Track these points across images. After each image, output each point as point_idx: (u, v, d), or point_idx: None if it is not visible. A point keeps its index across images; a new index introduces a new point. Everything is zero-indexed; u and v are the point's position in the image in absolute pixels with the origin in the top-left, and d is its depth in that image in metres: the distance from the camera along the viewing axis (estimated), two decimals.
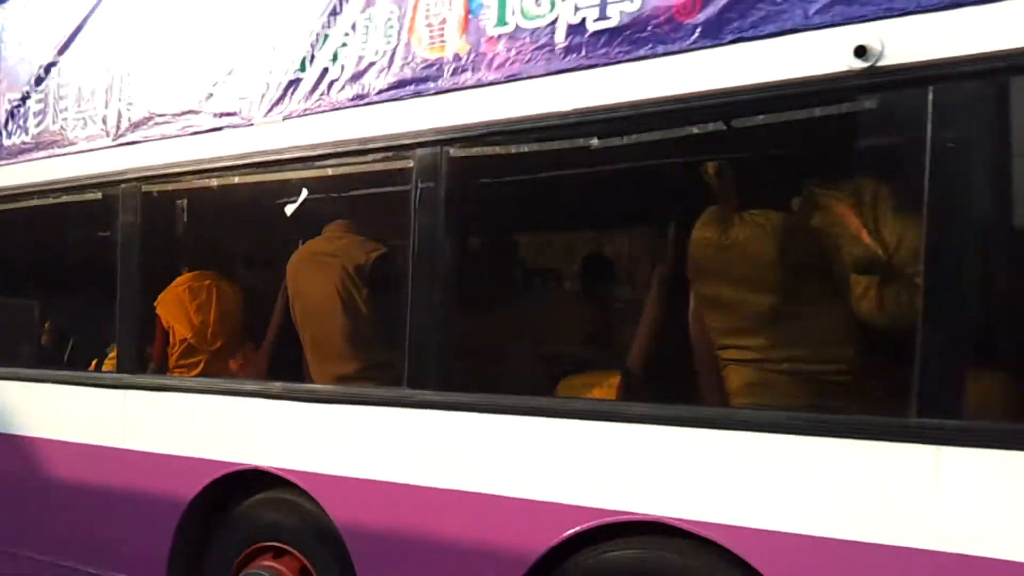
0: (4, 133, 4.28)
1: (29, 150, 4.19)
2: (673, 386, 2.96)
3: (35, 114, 4.17)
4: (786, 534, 2.22)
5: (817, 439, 2.22)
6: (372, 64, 3.10)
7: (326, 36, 3.23)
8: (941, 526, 2.04)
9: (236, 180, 3.61)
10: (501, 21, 2.81)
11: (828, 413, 2.36)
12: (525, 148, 2.91)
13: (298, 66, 3.31)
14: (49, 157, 4.07)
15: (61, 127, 4.06)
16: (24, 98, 4.22)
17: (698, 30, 2.44)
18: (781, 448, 2.26)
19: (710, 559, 2.33)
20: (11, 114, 4.27)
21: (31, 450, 4.09)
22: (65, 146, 4.05)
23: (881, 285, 2.38)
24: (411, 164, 2.99)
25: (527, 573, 2.60)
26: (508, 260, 3.67)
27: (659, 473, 2.44)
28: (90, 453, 3.82)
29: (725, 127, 2.56)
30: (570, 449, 2.59)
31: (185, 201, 4.08)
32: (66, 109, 4.06)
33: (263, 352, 3.77)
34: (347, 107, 3.17)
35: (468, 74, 2.90)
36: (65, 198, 4.06)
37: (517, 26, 2.78)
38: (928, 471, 2.06)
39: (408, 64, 3.02)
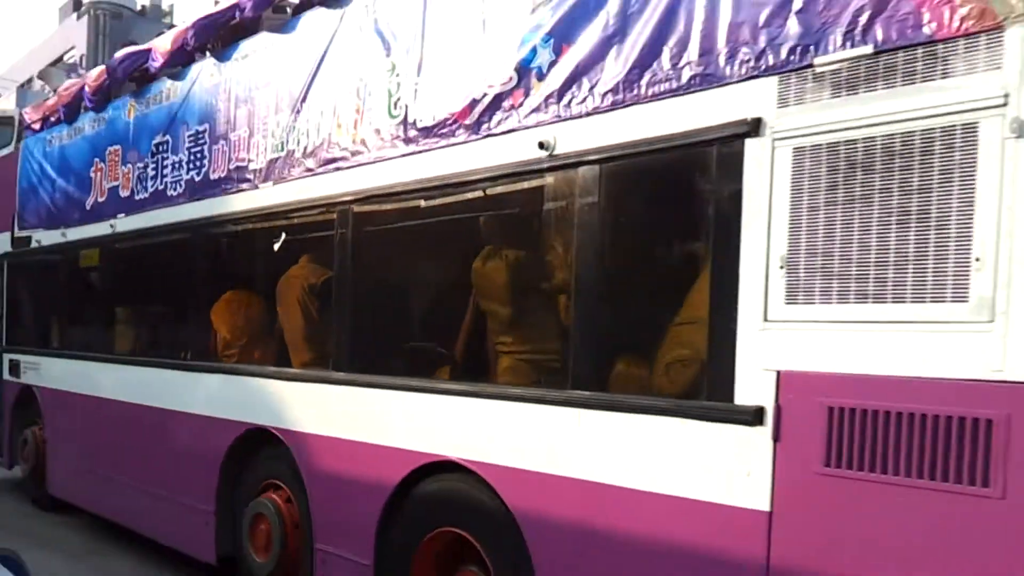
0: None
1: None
2: (472, 369, 4.17)
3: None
4: (515, 468, 3.46)
5: (536, 405, 3.47)
6: (319, 145, 4.70)
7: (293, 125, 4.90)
8: (583, 462, 3.24)
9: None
10: (386, 115, 4.26)
11: (542, 388, 3.67)
12: (392, 206, 4.41)
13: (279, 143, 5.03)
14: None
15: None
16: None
17: (470, 129, 3.80)
18: (518, 412, 3.54)
19: (477, 486, 3.62)
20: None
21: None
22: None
23: (566, 305, 3.62)
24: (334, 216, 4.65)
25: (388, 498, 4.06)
26: (403, 281, 4.88)
27: (458, 428, 3.80)
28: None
29: (483, 194, 3.94)
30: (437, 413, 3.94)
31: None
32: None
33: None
34: (299, 178, 4.86)
35: (360, 156, 4.41)
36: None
37: (379, 127, 4.28)
38: (575, 425, 3.29)
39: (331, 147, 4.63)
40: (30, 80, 67.94)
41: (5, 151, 9.00)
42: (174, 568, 6.46)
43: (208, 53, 5.95)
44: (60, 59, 64.69)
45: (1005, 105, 2.27)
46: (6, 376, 8.72)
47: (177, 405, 5.86)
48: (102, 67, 7.44)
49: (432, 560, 3.95)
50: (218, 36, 5.89)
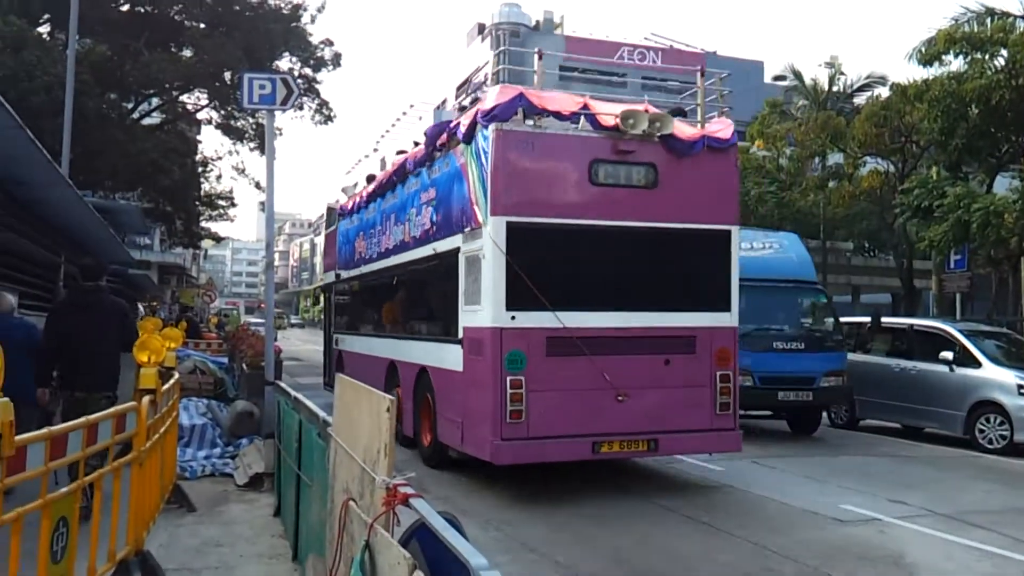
0: (358, 251, 15.27)
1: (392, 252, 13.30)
2: (425, 332, 11.59)
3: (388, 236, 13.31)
4: (429, 366, 10.87)
5: (426, 342, 11.39)
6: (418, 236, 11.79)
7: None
8: (435, 359, 10.65)
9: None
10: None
11: (431, 339, 11.30)
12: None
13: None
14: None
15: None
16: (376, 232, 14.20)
17: (384, 249, 13.16)
18: (427, 347, 11.20)
19: (426, 371, 10.99)
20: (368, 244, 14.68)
21: None
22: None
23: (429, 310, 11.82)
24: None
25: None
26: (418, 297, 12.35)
27: (422, 353, 11.19)
28: None
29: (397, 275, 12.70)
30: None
31: None
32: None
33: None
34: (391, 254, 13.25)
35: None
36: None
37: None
38: (433, 348, 11.02)
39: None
40: (444, 102, 75.60)
41: (331, 228, 18.32)
42: (577, 540, 6.77)
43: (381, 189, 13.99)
44: (468, 80, 71.54)
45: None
46: (334, 346, 17.55)
47: (374, 352, 13.82)
48: (353, 195, 17.30)
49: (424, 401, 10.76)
50: (391, 182, 13.28)
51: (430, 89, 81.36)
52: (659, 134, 9.18)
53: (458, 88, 73.67)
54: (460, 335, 9.38)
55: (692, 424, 9.31)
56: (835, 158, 27.81)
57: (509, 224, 8.66)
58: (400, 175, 12.34)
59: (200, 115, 32.58)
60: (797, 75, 32.39)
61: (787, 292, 14.45)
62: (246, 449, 10.12)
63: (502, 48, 66.90)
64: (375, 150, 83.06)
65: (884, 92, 27.01)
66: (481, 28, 70.98)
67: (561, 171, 9.04)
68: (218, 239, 49.40)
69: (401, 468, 9.67)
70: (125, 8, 26.96)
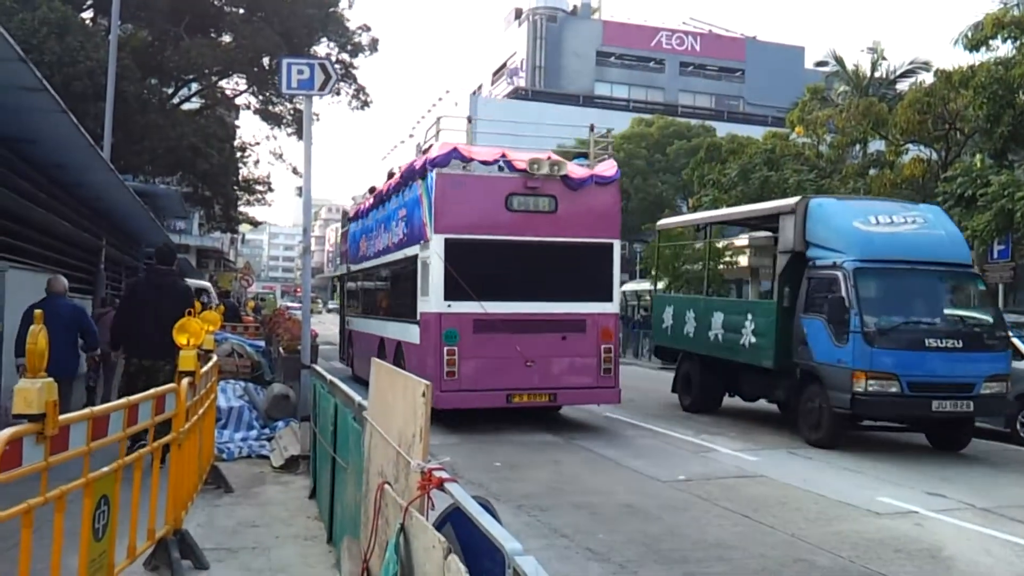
0: (361, 250, 19.13)
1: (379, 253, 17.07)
2: (394, 314, 15.57)
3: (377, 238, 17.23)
4: (399, 339, 14.68)
5: (395, 322, 15.57)
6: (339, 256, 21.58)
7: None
8: (401, 334, 14.64)
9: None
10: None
11: (399, 319, 15.07)
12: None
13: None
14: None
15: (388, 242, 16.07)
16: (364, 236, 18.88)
17: (377, 250, 17.08)
18: (397, 326, 15.13)
19: (399, 345, 14.76)
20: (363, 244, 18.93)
21: None
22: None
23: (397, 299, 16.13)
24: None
25: None
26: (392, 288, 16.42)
27: (395, 330, 15.06)
28: None
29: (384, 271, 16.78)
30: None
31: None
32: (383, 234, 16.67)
33: (390, 309, 16.77)
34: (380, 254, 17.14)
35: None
36: None
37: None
38: (401, 326, 14.82)
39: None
40: (480, 87, 75.47)
41: (344, 228, 22.07)
42: (609, 528, 6.77)
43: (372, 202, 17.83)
44: (504, 65, 71.30)
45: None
46: (346, 327, 21.47)
47: (371, 331, 17.25)
48: (359, 203, 20.79)
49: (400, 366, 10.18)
50: (383, 198, 16.42)
51: (466, 74, 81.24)
52: (558, 174, 12.73)
53: (494, 73, 73.50)
54: (418, 317, 13.00)
55: (582, 383, 12.85)
56: (876, 145, 27.37)
57: (447, 240, 12.27)
58: (388, 195, 15.92)
59: (239, 100, 32.88)
60: (839, 61, 31.87)
61: (936, 277, 12.35)
62: (282, 431, 10.24)
63: (537, 36, 66.64)
64: (411, 135, 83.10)
65: (928, 78, 26.51)
66: (518, 13, 70.61)
67: (485, 201, 12.56)
68: (255, 224, 49.87)
69: (435, 453, 9.76)
70: None
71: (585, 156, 14.17)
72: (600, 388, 12.87)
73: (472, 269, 12.13)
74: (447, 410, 11.98)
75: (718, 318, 14.84)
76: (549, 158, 13.06)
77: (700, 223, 18.98)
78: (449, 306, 12.18)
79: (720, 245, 19.24)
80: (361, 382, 13.90)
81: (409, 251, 13.69)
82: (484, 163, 12.78)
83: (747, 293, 19.93)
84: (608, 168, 13.25)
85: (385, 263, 16.04)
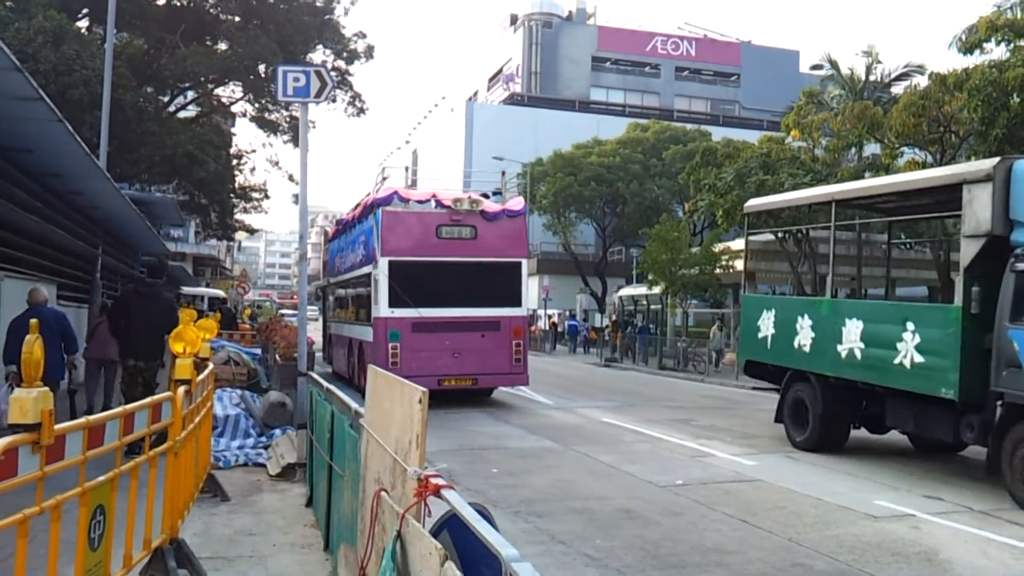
0: (336, 265, 22.04)
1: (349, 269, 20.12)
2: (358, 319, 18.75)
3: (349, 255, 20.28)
4: (360, 339, 18.17)
5: (358, 326, 18.94)
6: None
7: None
8: (361, 334, 18.17)
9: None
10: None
11: (361, 322, 18.59)
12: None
13: None
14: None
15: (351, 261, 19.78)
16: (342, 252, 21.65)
17: (347, 267, 20.14)
18: (358, 328, 18.82)
19: (358, 343, 18.64)
20: (337, 258, 22.11)
21: None
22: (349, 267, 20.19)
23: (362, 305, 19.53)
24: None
25: None
26: (353, 298, 20.15)
27: (358, 331, 18.55)
28: None
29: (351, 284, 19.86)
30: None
31: None
32: (350, 253, 20.55)
33: (356, 314, 20.19)
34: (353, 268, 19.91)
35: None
36: None
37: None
38: (363, 327, 18.35)
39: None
40: (476, 93, 75.55)
41: (326, 246, 24.45)
42: (607, 533, 6.77)
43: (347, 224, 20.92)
44: (500, 71, 71.42)
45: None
46: (329, 331, 24.17)
47: (343, 333, 20.63)
48: (335, 224, 24.84)
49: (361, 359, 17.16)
50: (350, 224, 20.15)
51: (462, 80, 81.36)
52: (476, 210, 16.13)
53: (490, 79, 73.60)
54: (372, 321, 16.23)
55: (497, 370, 16.14)
56: (872, 149, 27.43)
57: (390, 261, 15.62)
58: (352, 223, 19.86)
59: (235, 108, 32.86)
60: (834, 64, 31.97)
61: None
62: (279, 439, 10.22)
63: (532, 42, 66.76)
64: (407, 142, 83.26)
65: (923, 81, 26.59)
66: (514, 19, 70.75)
67: (419, 231, 15.95)
68: (252, 231, 49.85)
69: (432, 460, 9.74)
70: (162, 2, 27.23)
71: (499, 194, 21.12)
72: (512, 374, 16.35)
73: (410, 283, 15.30)
74: None
75: (854, 327, 11.21)
76: (469, 197, 16.92)
77: (818, 201, 14.59)
78: (393, 312, 15.46)
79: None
80: (340, 379, 18.58)
81: (366, 269, 17.07)
82: (419, 202, 16.42)
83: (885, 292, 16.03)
84: (516, 204, 17.27)
85: (351, 278, 19.33)
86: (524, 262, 16.49)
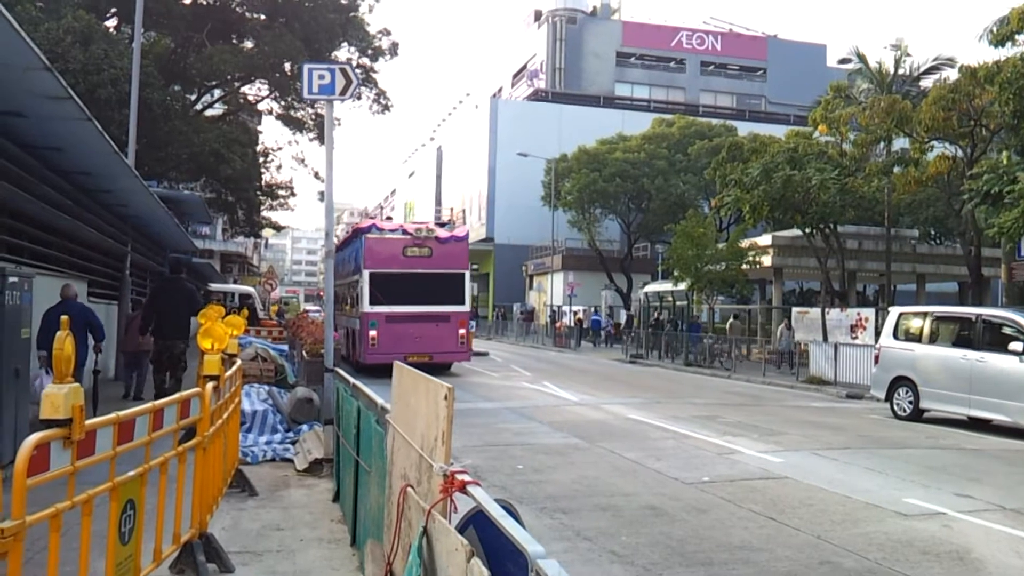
0: (339, 271, 23.44)
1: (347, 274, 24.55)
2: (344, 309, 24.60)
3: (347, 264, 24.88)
4: (352, 329, 23.58)
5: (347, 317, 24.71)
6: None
7: None
8: (350, 325, 24.13)
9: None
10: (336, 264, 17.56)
11: (350, 313, 24.85)
12: (340, 288, 24.42)
13: None
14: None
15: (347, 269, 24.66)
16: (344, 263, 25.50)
17: (345, 273, 24.52)
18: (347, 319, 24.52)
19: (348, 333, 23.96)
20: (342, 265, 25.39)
21: None
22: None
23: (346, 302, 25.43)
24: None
25: None
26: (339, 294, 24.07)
27: (343, 321, 23.99)
28: None
29: (348, 286, 25.04)
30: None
31: None
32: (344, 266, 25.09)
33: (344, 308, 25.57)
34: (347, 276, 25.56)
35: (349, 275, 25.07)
36: None
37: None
38: (350, 316, 24.26)
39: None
40: (500, 90, 75.49)
41: (347, 250, 25.67)
42: (633, 530, 6.74)
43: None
44: (524, 67, 71.29)
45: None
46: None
47: (345, 325, 23.73)
48: (341, 239, 27.71)
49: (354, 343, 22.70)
50: (346, 243, 25.63)
51: (486, 76, 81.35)
52: (432, 236, 21.89)
53: (514, 75, 73.53)
54: (359, 315, 21.53)
55: (448, 350, 21.91)
56: (900, 143, 27.11)
57: (371, 272, 21.17)
58: (348, 242, 25.19)
59: (261, 106, 33.09)
60: (861, 58, 31.60)
61: None
62: (306, 435, 10.28)
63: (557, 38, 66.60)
64: (432, 139, 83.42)
65: (952, 75, 26.23)
66: (538, 15, 70.62)
67: (391, 251, 21.50)
68: (278, 228, 50.21)
69: (458, 456, 9.76)
70: (188, 1, 27.44)
71: (452, 223, 29.75)
72: (458, 352, 22.34)
73: (385, 288, 21.00)
74: (372, 364, 19.76)
75: None
76: (427, 227, 23.03)
77: None
78: (372, 308, 21.05)
79: None
80: (347, 361, 22.07)
81: (355, 277, 22.66)
82: (391, 231, 22.35)
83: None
84: (461, 231, 24.11)
85: (346, 283, 24.49)
86: (466, 272, 22.47)
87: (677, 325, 35.16)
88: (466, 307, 22.29)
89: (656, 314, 38.67)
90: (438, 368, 21.27)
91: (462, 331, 21.87)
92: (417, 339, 20.80)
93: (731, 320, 32.72)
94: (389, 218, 34.30)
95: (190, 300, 11.72)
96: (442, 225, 24.78)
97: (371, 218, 26.46)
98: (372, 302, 20.92)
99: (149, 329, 11.91)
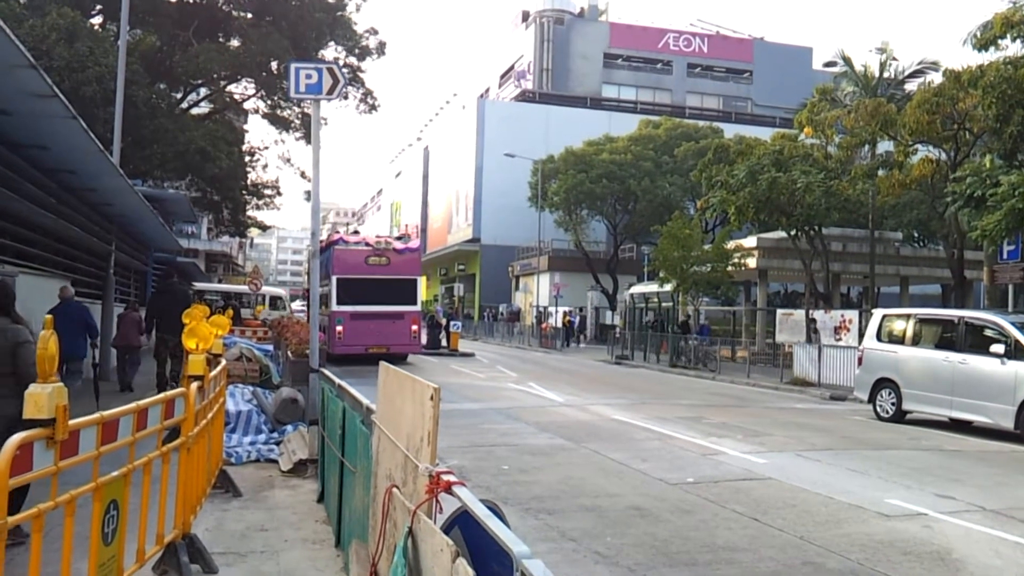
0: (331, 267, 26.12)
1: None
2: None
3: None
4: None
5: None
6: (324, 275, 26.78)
7: None
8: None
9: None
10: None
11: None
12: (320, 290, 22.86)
13: None
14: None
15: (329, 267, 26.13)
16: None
17: (320, 278, 16.36)
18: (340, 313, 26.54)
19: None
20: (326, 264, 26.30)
21: None
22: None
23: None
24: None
25: None
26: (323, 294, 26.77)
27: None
28: None
29: (324, 290, 25.49)
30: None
31: None
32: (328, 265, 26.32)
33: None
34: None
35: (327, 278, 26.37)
36: None
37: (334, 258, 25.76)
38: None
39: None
40: (487, 90, 75.46)
41: (320, 258, 24.98)
42: (617, 531, 6.77)
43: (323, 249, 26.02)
44: (511, 67, 71.30)
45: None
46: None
47: (322, 321, 21.53)
48: (320, 243, 20.24)
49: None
50: (321, 252, 21.24)
51: (473, 77, 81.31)
52: (390, 247, 25.78)
53: (501, 76, 73.53)
54: (329, 313, 24.31)
55: (402, 343, 25.22)
56: (885, 146, 27.30)
57: (338, 278, 24.87)
58: (323, 251, 24.64)
59: (247, 105, 32.96)
60: (847, 61, 31.83)
61: None
62: (290, 435, 10.26)
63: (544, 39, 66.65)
64: (419, 139, 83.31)
65: (937, 78, 26.44)
66: (525, 15, 70.65)
67: (355, 260, 25.14)
68: (264, 228, 50.02)
69: (443, 456, 9.77)
70: None
71: (408, 236, 31.35)
72: (410, 344, 25.79)
73: (350, 291, 24.71)
74: (340, 355, 23.49)
75: None
76: (386, 240, 26.96)
77: None
78: (340, 307, 24.58)
79: None
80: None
81: (327, 281, 24.95)
82: (355, 243, 26.03)
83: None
84: (414, 243, 27.79)
85: (323, 285, 25.82)
86: (418, 279, 26.93)
87: (663, 327, 35.25)
88: (418, 307, 26.63)
89: (653, 317, 38.67)
90: (395, 359, 23.29)
91: (414, 327, 25.88)
92: (377, 333, 24.40)
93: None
94: (356, 232, 38.89)
95: (183, 301, 13.48)
96: (399, 239, 28.52)
97: (338, 233, 30.95)
98: (339, 302, 24.65)
99: (152, 327, 14.48)
